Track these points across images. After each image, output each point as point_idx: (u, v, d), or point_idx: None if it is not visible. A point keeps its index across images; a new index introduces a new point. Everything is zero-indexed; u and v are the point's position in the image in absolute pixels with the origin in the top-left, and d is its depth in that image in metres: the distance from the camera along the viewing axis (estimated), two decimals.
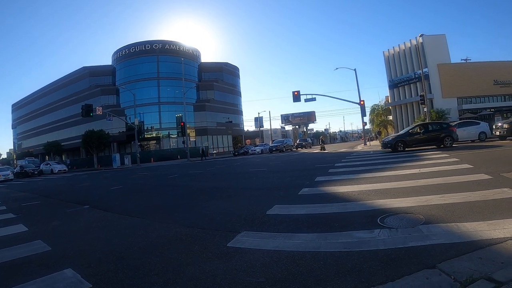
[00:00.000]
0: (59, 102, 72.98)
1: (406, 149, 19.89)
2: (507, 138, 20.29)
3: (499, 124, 21.75)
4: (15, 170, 41.53)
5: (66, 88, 71.57)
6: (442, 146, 19.41)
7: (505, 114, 40.62)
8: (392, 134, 42.19)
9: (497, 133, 21.47)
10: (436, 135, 19.98)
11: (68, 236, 5.82)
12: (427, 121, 33.15)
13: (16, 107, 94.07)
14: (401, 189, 7.08)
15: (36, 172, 40.15)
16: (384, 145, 21.77)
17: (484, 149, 15.91)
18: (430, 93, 45.25)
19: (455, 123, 26.17)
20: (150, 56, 64.42)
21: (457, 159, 11.79)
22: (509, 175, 7.31)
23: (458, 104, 47.75)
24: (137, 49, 64.97)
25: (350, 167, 12.87)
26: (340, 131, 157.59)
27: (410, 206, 5.40)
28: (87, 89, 66.05)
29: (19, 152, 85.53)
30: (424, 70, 42.00)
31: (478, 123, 25.46)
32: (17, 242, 5.48)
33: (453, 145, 19.79)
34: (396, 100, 55.19)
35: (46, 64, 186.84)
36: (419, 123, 25.60)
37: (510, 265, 2.79)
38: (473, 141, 23.39)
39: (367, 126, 51.65)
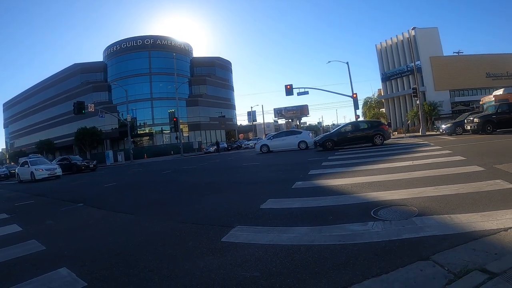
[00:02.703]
0: (51, 100, 72.37)
1: (336, 147, 20.10)
2: (480, 132, 20.30)
3: (471, 118, 21.68)
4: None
5: (58, 85, 71.03)
6: (372, 144, 19.59)
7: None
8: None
9: (469, 127, 21.48)
10: (366, 134, 20.22)
11: (62, 235, 5.78)
12: (419, 114, 33.43)
13: (7, 106, 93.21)
14: (395, 182, 7.11)
15: (92, 165, 30.64)
16: (315, 144, 22.10)
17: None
18: (423, 85, 45.57)
19: (274, 134, 28.94)
20: (142, 51, 64.14)
21: (449, 151, 11.86)
22: (502, 166, 7.36)
23: (451, 97, 48.16)
24: (129, 44, 64.63)
25: (344, 160, 12.89)
26: (333, 124, 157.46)
27: (404, 198, 5.42)
28: (78, 86, 65.61)
29: (12, 151, 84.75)
30: (417, 63, 42.18)
31: (300, 133, 26.81)
32: (12, 242, 5.43)
33: (384, 143, 19.84)
34: (388, 93, 55.50)
35: (36, 62, 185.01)
36: (350, 122, 26.43)
37: (503, 256, 2.81)
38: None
39: (360, 119, 51.72)
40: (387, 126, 21.31)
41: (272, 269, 3.23)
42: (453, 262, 2.82)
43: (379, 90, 62.87)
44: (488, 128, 19.97)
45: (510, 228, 3.51)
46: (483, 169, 7.39)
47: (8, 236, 6.03)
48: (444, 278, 2.60)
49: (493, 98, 22.80)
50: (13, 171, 34.05)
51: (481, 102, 25.77)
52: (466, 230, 3.65)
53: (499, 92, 23.68)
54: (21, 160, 33.02)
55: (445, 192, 5.52)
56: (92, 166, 30.51)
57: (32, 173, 22.38)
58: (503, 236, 3.33)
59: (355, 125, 22.00)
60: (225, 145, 53.19)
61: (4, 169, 33.73)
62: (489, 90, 47.57)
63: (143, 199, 9.38)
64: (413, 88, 33.53)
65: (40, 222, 7.26)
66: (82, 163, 30.18)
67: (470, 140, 16.32)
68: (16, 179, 24.79)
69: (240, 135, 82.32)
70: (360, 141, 20.22)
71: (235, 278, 3.12)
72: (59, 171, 23.72)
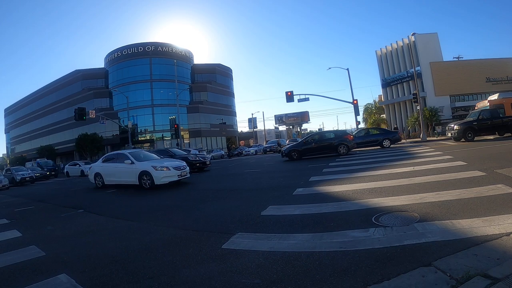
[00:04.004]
0: (52, 106, 72.49)
1: (303, 157, 20.21)
2: (461, 139, 20.03)
3: (451, 125, 21.42)
4: None
5: (59, 91, 71.14)
6: (336, 154, 19.62)
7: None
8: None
9: (449, 134, 21.22)
10: (330, 144, 20.25)
11: (62, 241, 5.76)
12: (420, 119, 33.45)
13: (9, 111, 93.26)
14: (396, 187, 7.09)
15: (208, 162, 21.88)
16: (281, 154, 22.35)
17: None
18: (423, 91, 45.52)
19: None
20: (143, 58, 64.27)
21: (450, 156, 11.84)
22: (503, 171, 7.35)
23: (451, 102, 48.08)
24: (130, 51, 64.79)
25: (346, 166, 12.87)
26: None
27: (405, 204, 5.41)
28: (80, 92, 65.69)
29: (12, 157, 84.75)
30: (417, 68, 42.21)
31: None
32: (11, 248, 5.42)
33: (349, 153, 19.92)
34: (389, 98, 55.45)
35: (38, 68, 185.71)
36: (317, 132, 26.98)
37: (506, 261, 2.80)
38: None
39: (361, 125, 51.85)
40: (351, 136, 21.43)
41: (273, 276, 3.21)
42: (455, 268, 2.81)
43: (380, 96, 62.96)
44: (469, 135, 19.67)
45: None
46: (484, 174, 7.38)
47: (8, 242, 6.02)
48: (446, 284, 2.58)
49: (488, 104, 22.60)
50: (38, 175, 31.40)
51: (476, 108, 25.53)
52: (468, 235, 3.64)
53: (494, 97, 23.45)
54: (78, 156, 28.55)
55: (447, 198, 5.50)
56: (209, 162, 21.75)
57: (145, 174, 12.63)
58: (505, 241, 3.32)
59: (321, 135, 22.27)
60: (222, 152, 53.36)
61: (29, 171, 29.73)
62: (489, 94, 47.71)
63: (143, 205, 9.34)
64: (413, 94, 33.56)
65: (40, 228, 7.24)
66: (196, 159, 20.47)
67: (471, 145, 16.29)
68: (93, 181, 15.33)
69: (241, 142, 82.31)
70: (324, 151, 20.30)
71: (236, 285, 3.10)
72: (188, 171, 13.85)
